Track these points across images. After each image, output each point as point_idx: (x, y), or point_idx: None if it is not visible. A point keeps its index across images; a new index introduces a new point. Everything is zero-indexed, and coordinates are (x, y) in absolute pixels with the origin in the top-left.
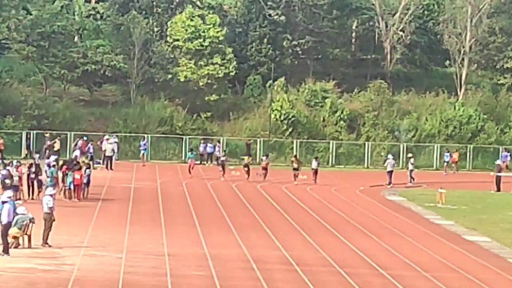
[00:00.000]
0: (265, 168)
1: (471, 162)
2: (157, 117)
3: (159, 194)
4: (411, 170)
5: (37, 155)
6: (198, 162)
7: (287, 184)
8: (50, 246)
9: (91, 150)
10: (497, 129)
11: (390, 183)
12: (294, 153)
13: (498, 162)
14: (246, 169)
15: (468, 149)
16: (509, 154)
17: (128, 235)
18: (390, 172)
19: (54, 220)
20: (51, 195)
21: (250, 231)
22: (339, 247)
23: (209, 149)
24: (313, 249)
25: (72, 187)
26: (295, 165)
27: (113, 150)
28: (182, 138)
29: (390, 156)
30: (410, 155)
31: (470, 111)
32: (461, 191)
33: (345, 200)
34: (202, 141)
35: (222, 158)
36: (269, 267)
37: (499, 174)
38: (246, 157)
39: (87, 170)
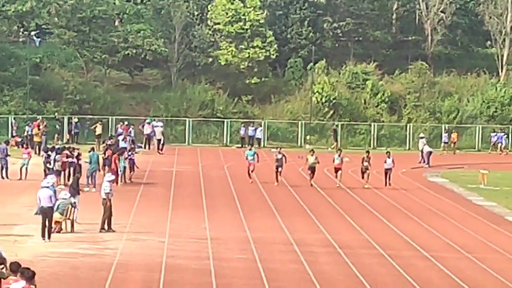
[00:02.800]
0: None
1: None
2: (198, 100)
3: (201, 178)
4: (423, 150)
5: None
6: (240, 145)
7: (329, 167)
8: (109, 230)
9: (132, 134)
10: None
11: (427, 163)
12: (366, 149)
13: None
14: (310, 172)
15: (510, 130)
16: (504, 135)
17: (170, 219)
18: (429, 153)
19: (108, 206)
20: (109, 181)
21: (292, 214)
22: (382, 230)
23: (250, 132)
24: (356, 232)
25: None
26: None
27: (162, 133)
28: (223, 122)
29: (422, 138)
30: (421, 134)
31: (511, 92)
32: (503, 172)
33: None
34: (243, 125)
35: (279, 156)
36: (311, 249)
37: None
38: (311, 157)
39: (131, 155)
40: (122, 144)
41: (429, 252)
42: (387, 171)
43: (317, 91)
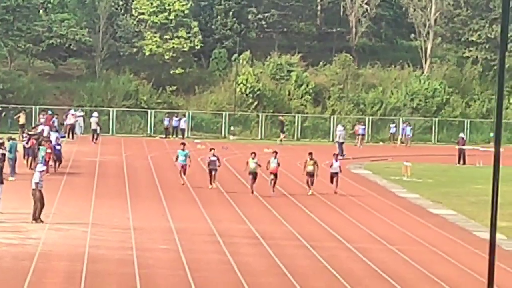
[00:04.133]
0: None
1: (436, 135)
2: (122, 91)
3: (125, 168)
4: (339, 142)
5: None
6: (164, 136)
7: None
8: (37, 221)
9: (56, 124)
10: (462, 102)
11: (342, 154)
12: (309, 151)
13: (462, 135)
14: (251, 177)
15: (433, 122)
16: (409, 127)
17: (94, 209)
18: (341, 144)
19: (37, 196)
20: (39, 172)
21: (216, 205)
22: (305, 221)
23: (174, 123)
24: (279, 222)
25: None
26: (310, 167)
27: (97, 123)
28: (147, 112)
29: (340, 127)
30: (340, 127)
31: (435, 84)
32: (426, 165)
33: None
34: (167, 115)
35: (212, 158)
36: (234, 240)
37: (463, 147)
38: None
39: (57, 146)
40: (53, 134)
41: (351, 243)
42: (333, 176)
43: (242, 82)
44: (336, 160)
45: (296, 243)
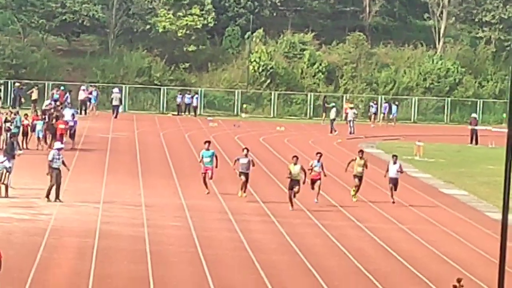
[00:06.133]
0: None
1: (448, 116)
2: (135, 67)
3: (137, 144)
4: (350, 120)
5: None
6: (176, 113)
7: (265, 136)
8: (56, 200)
9: (69, 100)
10: (475, 82)
11: (332, 131)
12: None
13: (474, 115)
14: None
15: (446, 102)
16: (396, 105)
17: (106, 185)
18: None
19: (53, 175)
20: (57, 149)
21: (227, 182)
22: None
23: (187, 100)
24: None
25: (40, 135)
26: (359, 169)
27: (120, 100)
28: (160, 89)
29: (351, 106)
30: (351, 105)
31: (448, 64)
32: (438, 144)
33: (322, 153)
34: (179, 92)
35: (244, 161)
36: (246, 218)
37: (475, 127)
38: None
39: (73, 122)
40: (67, 111)
41: (363, 222)
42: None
43: (254, 60)
44: (395, 162)
45: (307, 222)
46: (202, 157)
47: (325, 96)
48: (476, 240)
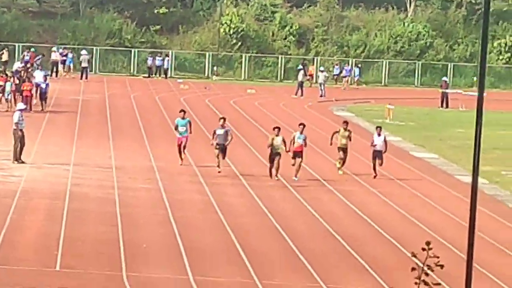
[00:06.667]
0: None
1: (419, 79)
2: (106, 29)
3: (107, 107)
4: (321, 83)
5: None
6: (147, 75)
7: (236, 99)
8: (18, 161)
9: (38, 62)
10: (446, 45)
11: (297, 93)
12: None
13: (445, 79)
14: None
15: (416, 66)
16: (359, 68)
17: (76, 147)
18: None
19: (17, 136)
20: (20, 110)
21: (198, 145)
22: (288, 164)
23: (157, 62)
24: (261, 164)
25: (9, 97)
26: (344, 141)
27: (88, 61)
28: (131, 51)
29: (322, 69)
30: (322, 68)
31: (419, 27)
32: (409, 108)
33: (292, 115)
34: (150, 54)
35: (220, 132)
36: (217, 181)
37: (446, 91)
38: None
39: (44, 84)
40: (38, 73)
41: (333, 185)
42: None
43: (225, 23)
44: (380, 134)
45: (278, 184)
46: (177, 126)
47: (304, 59)
48: (446, 203)
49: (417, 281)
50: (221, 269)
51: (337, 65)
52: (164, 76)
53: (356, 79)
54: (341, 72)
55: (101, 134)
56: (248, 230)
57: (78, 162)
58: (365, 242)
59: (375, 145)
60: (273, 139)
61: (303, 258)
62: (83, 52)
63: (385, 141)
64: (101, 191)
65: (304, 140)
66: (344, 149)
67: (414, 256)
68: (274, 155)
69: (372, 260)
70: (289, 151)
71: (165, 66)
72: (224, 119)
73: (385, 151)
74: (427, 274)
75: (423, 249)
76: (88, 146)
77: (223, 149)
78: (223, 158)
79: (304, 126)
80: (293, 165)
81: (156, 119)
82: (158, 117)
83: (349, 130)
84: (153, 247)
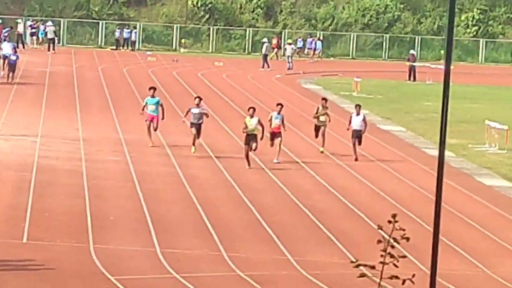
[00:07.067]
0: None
1: (387, 52)
2: (74, 1)
3: (75, 79)
4: (289, 56)
5: None
6: (114, 48)
7: (204, 71)
8: None
9: (6, 34)
10: (414, 19)
11: (264, 66)
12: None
13: (412, 52)
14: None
15: (384, 39)
16: (321, 41)
17: (43, 119)
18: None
19: None
20: None
21: (167, 118)
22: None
23: (125, 35)
24: (228, 136)
25: None
26: (322, 118)
27: (54, 32)
28: (98, 23)
29: (265, 40)
30: (289, 41)
31: (387, 0)
32: (376, 81)
33: (261, 88)
34: (118, 27)
35: (195, 111)
36: (184, 153)
37: (413, 64)
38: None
39: (13, 56)
40: (5, 45)
41: (301, 158)
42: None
43: None
44: (359, 114)
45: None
46: (147, 104)
47: (279, 34)
48: (413, 176)
49: (383, 253)
50: (188, 242)
51: (300, 37)
52: (131, 48)
53: (318, 52)
54: (304, 45)
55: (69, 106)
56: (215, 203)
57: (45, 134)
58: (331, 214)
59: (351, 126)
60: (248, 121)
61: (271, 231)
62: (49, 23)
63: (364, 120)
64: (68, 163)
65: (282, 120)
66: (253, 137)
67: (380, 228)
68: (249, 137)
69: (339, 233)
70: (262, 138)
71: (133, 39)
72: (200, 98)
73: (364, 132)
74: (393, 247)
75: (389, 222)
76: (55, 118)
77: (198, 129)
78: (198, 137)
79: (282, 106)
80: (272, 145)
81: (123, 92)
82: (125, 89)
83: (327, 107)
84: (120, 219)
